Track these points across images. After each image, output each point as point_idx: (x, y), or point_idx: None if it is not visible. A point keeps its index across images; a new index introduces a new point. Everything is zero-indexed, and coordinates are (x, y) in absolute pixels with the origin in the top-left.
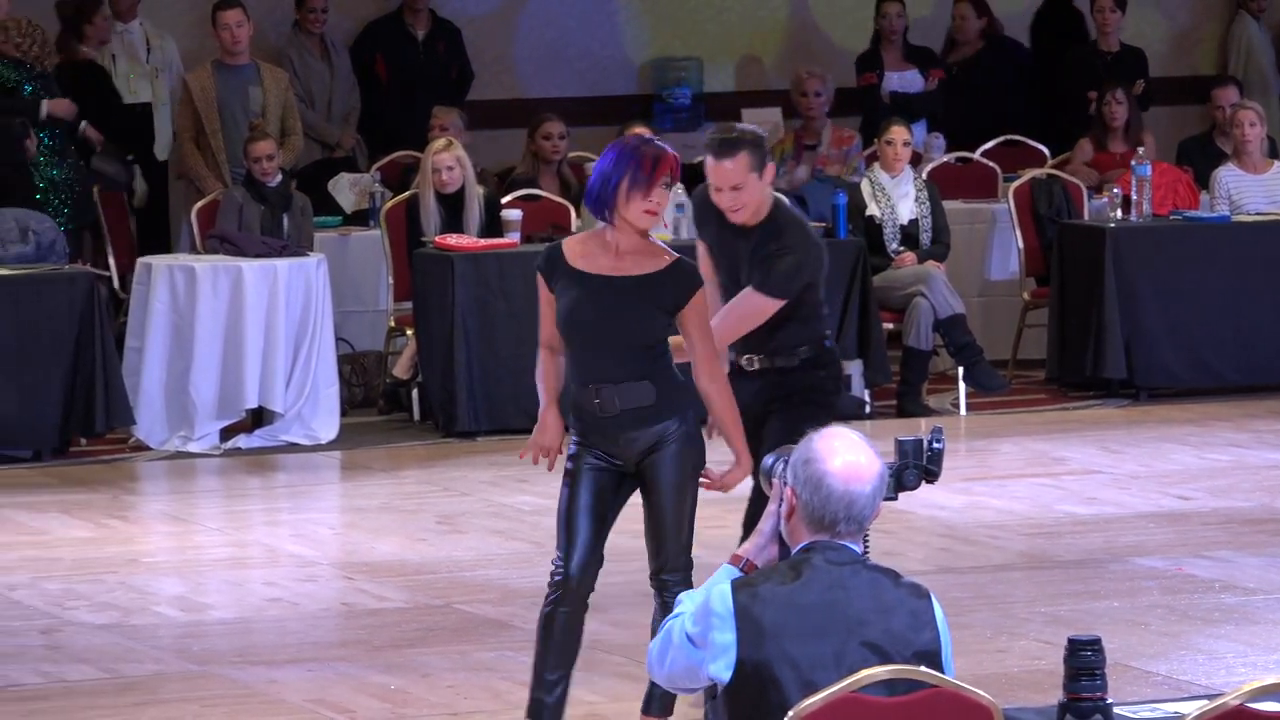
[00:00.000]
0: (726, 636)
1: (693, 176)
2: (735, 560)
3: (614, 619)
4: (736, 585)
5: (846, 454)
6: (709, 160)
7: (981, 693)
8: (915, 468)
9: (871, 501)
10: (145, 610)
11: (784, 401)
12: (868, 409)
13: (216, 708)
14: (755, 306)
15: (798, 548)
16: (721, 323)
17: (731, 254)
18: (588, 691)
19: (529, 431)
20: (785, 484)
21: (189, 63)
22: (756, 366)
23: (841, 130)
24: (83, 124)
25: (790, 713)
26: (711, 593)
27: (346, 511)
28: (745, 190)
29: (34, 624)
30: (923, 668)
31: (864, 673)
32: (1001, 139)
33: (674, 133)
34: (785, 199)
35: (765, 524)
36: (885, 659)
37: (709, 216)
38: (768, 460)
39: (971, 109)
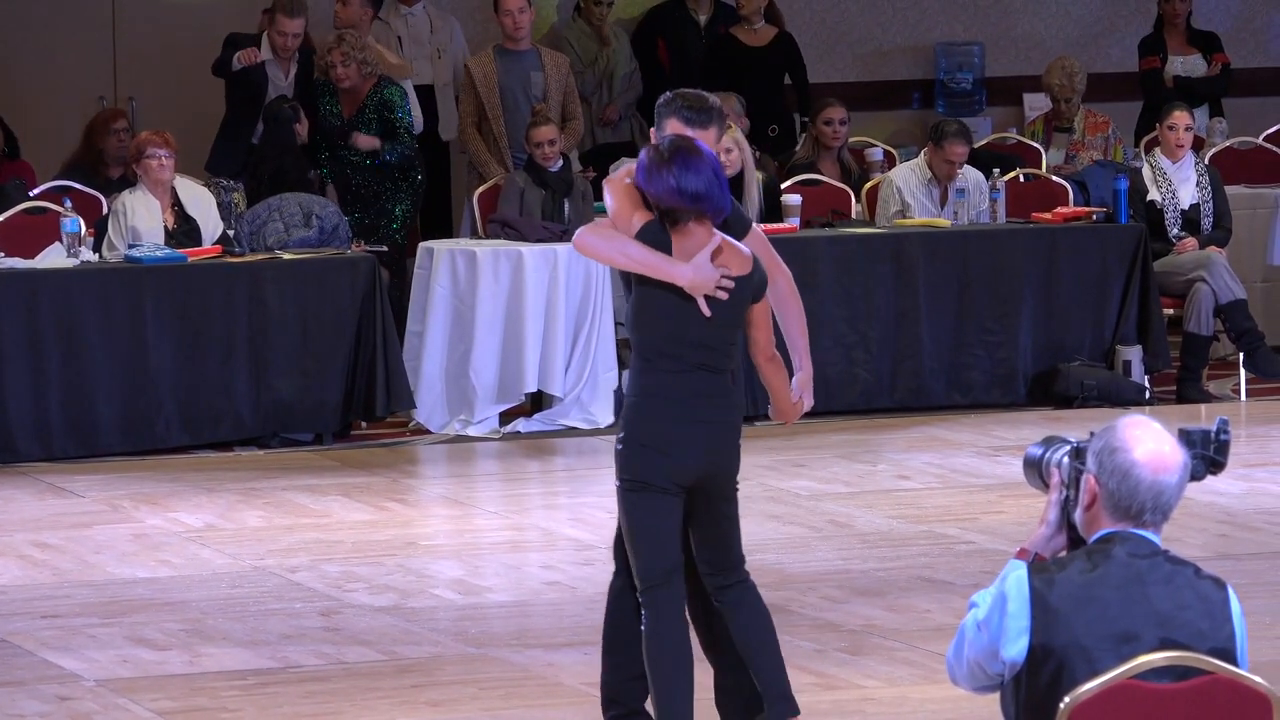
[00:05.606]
0: (1021, 621)
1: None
2: (1022, 555)
3: (890, 604)
4: (1033, 570)
5: (1152, 443)
6: (675, 123)
7: (1260, 680)
8: (1202, 458)
9: (1177, 492)
10: (424, 593)
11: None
12: (1147, 395)
13: (493, 690)
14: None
15: (1096, 536)
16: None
17: None
18: (862, 676)
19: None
20: (1087, 472)
21: (472, 47)
22: None
23: (1096, 115)
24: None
25: (1066, 698)
26: (1008, 578)
27: None
28: None
29: (314, 606)
30: (1198, 654)
31: (1140, 659)
32: None
33: (954, 118)
34: None
35: (1050, 514)
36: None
37: None
38: (1036, 451)
39: None
